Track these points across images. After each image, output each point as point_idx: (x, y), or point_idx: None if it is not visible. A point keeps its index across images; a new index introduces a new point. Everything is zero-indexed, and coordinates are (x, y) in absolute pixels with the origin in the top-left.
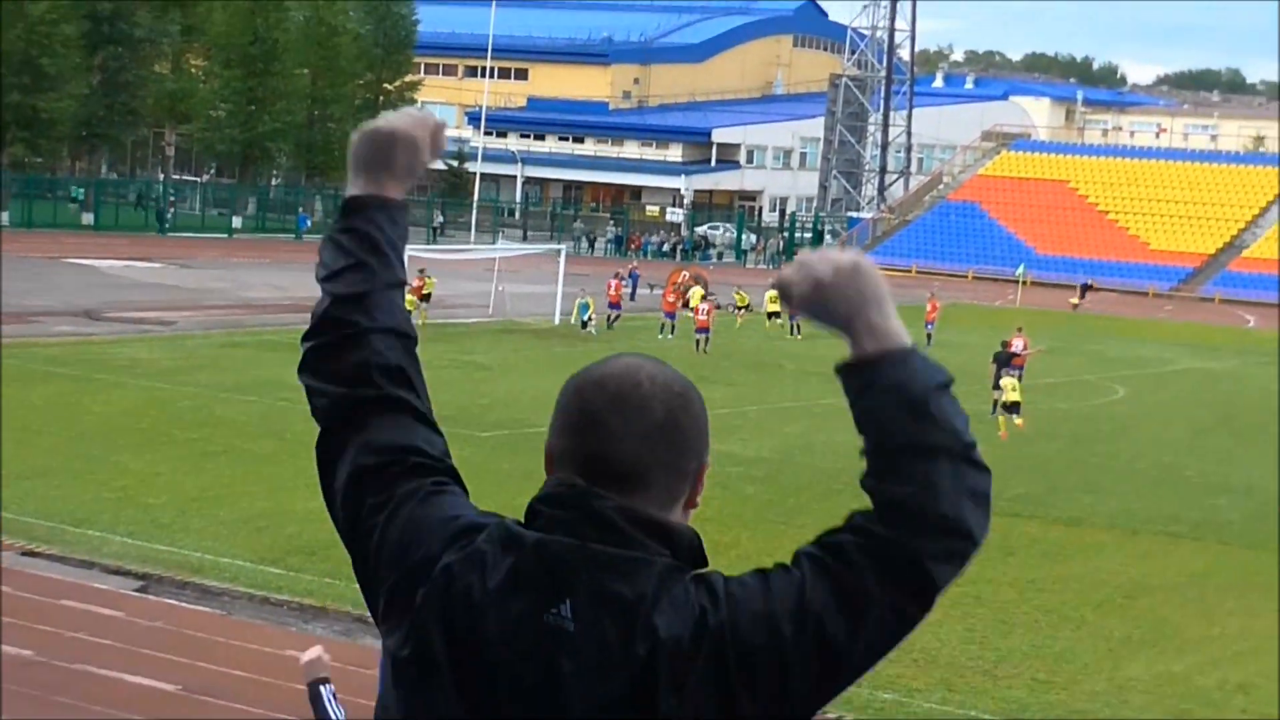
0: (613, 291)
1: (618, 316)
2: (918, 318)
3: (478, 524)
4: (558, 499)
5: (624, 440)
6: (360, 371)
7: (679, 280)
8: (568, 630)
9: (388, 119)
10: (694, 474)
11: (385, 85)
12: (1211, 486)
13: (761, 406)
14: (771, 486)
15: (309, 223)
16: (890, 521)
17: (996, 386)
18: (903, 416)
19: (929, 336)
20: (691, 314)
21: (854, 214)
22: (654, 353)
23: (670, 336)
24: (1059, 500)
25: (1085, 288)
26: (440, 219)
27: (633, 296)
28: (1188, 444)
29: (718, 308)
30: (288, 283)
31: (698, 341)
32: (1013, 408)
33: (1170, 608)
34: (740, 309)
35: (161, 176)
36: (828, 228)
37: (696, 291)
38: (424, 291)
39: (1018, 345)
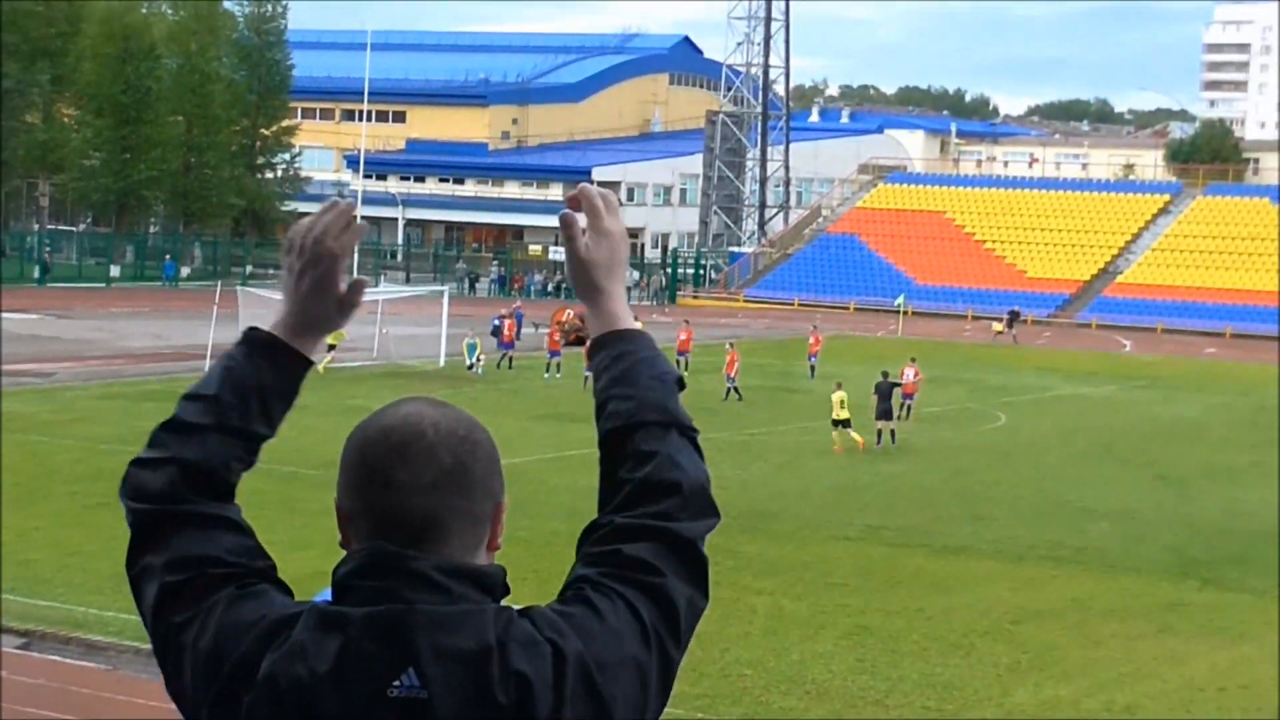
0: (507, 331)
1: (510, 357)
2: (800, 351)
3: (289, 616)
4: (369, 568)
5: (415, 494)
6: (171, 489)
7: (563, 319)
8: (421, 698)
9: (324, 226)
10: (491, 516)
11: (261, 130)
12: (1091, 512)
13: None
14: None
15: (178, 269)
16: (657, 507)
17: (882, 417)
18: (656, 386)
19: (812, 369)
20: (582, 351)
21: (735, 249)
22: (542, 393)
23: (558, 375)
24: (944, 530)
25: (1013, 316)
26: None
27: (518, 336)
28: (1068, 470)
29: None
30: (166, 331)
31: (585, 379)
32: (845, 424)
33: (1055, 633)
34: None
35: (36, 227)
36: (710, 263)
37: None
38: (329, 341)
39: (909, 375)
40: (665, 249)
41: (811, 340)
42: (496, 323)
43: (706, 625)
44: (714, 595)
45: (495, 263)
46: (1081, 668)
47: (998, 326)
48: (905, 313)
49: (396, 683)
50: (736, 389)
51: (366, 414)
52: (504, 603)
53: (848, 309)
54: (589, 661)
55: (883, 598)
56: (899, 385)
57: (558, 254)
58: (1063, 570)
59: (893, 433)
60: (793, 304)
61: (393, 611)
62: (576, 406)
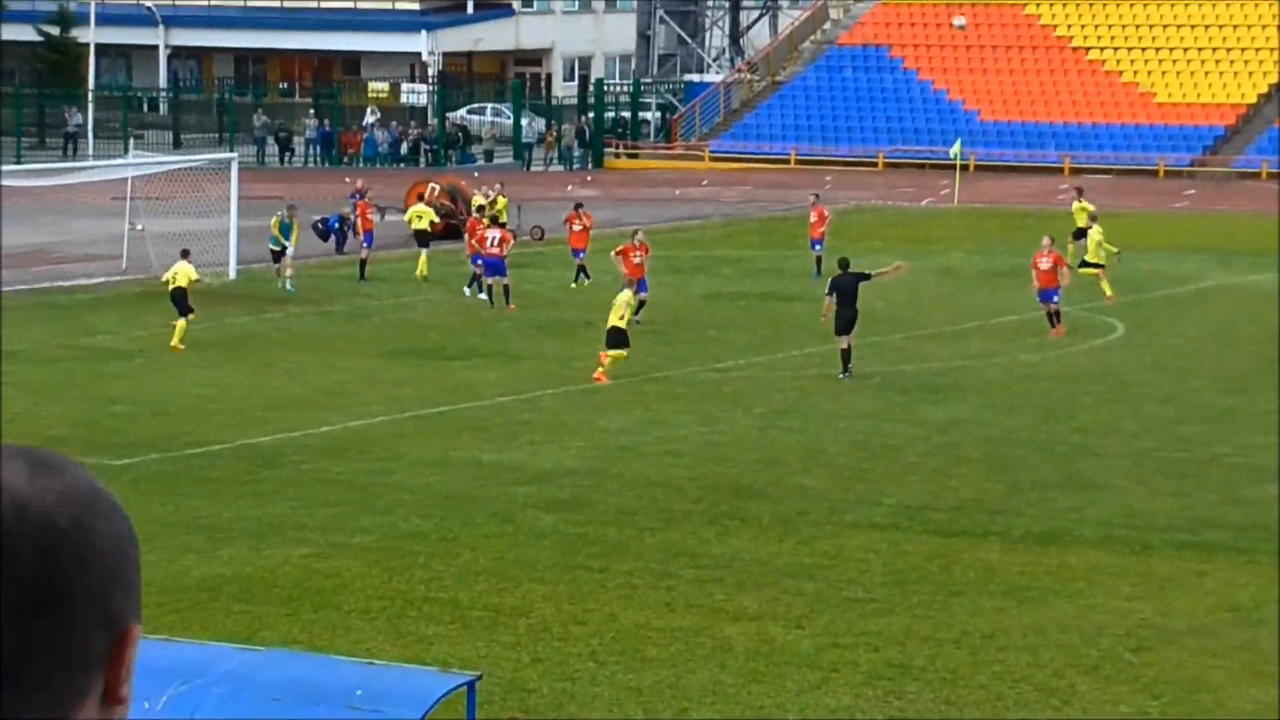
0: (361, 223)
1: (363, 261)
2: (798, 236)
3: None
4: None
5: None
6: None
7: (426, 195)
8: None
9: None
10: (108, 655)
11: None
12: (1257, 469)
13: (562, 389)
14: (580, 514)
15: None
16: None
17: (844, 330)
18: None
19: (818, 263)
20: (474, 244)
21: (695, 77)
22: (398, 315)
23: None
24: (1026, 507)
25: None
26: (37, 121)
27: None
28: (1218, 408)
29: (514, 236)
30: None
31: (489, 289)
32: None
33: (1205, 664)
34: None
35: None
36: (655, 101)
37: (501, 203)
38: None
39: (1044, 264)
40: (585, 82)
41: (813, 218)
42: (335, 218)
43: (653, 671)
44: (665, 621)
45: (314, 113)
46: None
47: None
48: (965, 167)
49: None
50: (584, 269)
51: (116, 359)
52: None
53: (874, 165)
54: None
55: (931, 619)
56: (867, 277)
57: (414, 95)
58: (1214, 564)
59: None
60: (788, 160)
61: None
62: (451, 335)
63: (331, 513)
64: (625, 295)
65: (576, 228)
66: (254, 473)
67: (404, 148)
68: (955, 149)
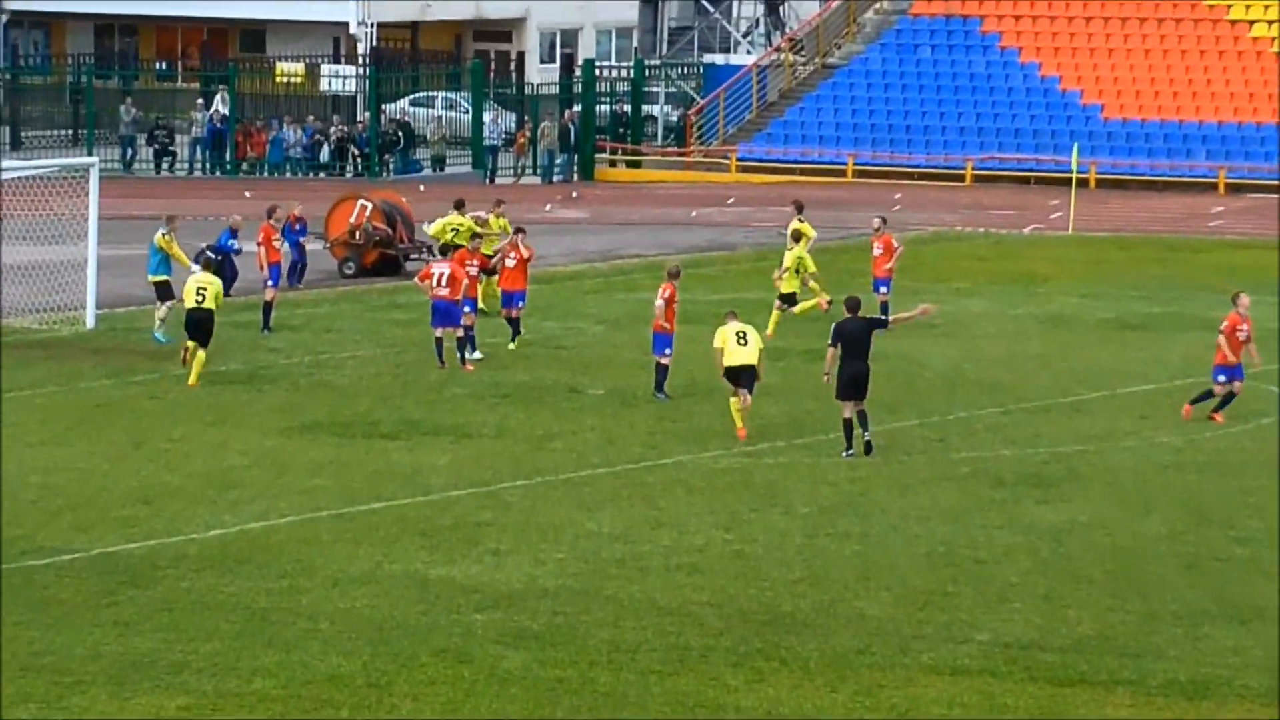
0: (266, 245)
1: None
2: (859, 269)
3: None
4: None
5: None
6: None
7: (355, 221)
8: None
9: None
10: None
11: None
12: None
13: (536, 480)
14: (560, 651)
15: None
16: None
17: (849, 392)
18: None
19: (883, 309)
20: (424, 283)
21: (718, 58)
22: (316, 377)
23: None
24: (1168, 645)
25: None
26: None
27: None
28: None
29: (488, 268)
30: None
31: (462, 347)
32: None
33: None
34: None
35: None
36: (665, 90)
37: (496, 224)
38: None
39: (1243, 332)
40: (569, 63)
41: (878, 249)
42: (227, 239)
43: None
44: None
45: (202, 101)
46: None
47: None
48: (1084, 181)
49: None
50: (517, 323)
51: None
52: None
53: (959, 178)
54: None
55: None
56: (883, 323)
57: (340, 80)
58: None
59: (867, 442)
60: (841, 171)
61: None
62: (386, 404)
63: (220, 648)
64: (732, 326)
65: (510, 263)
66: (115, 592)
67: (324, 152)
68: (1072, 157)
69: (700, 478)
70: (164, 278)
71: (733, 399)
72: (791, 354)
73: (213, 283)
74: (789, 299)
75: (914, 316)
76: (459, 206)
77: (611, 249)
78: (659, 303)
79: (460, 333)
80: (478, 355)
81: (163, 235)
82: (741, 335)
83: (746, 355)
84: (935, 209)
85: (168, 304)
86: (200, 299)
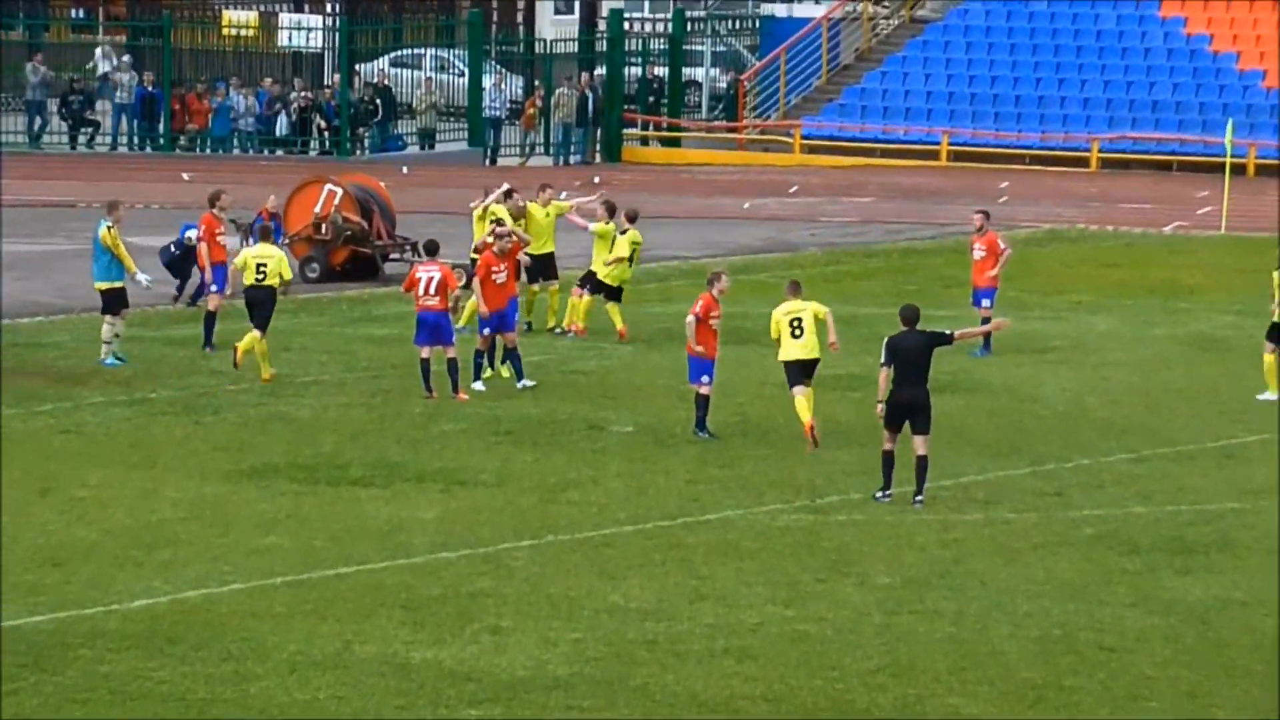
0: (209, 240)
1: (211, 313)
2: (955, 275)
3: None
4: None
5: None
6: None
7: (321, 211)
8: None
9: None
10: None
11: None
12: None
13: (546, 539)
14: None
15: None
16: None
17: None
18: None
19: (986, 341)
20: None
21: (779, 8)
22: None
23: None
24: None
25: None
26: None
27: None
28: None
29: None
30: None
31: (455, 371)
32: None
33: None
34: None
35: None
36: (710, 49)
37: (499, 211)
38: None
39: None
40: (591, 13)
41: (979, 251)
42: (177, 244)
43: None
44: None
45: (130, 62)
46: None
47: None
48: (1240, 168)
49: None
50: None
51: None
52: None
53: (1083, 161)
54: None
55: None
56: (947, 338)
57: (304, 34)
58: None
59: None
60: (935, 151)
61: None
62: (358, 443)
63: None
64: (787, 307)
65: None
66: (15, 678)
67: (282, 123)
68: (1226, 136)
69: (753, 538)
70: (116, 284)
71: (794, 392)
72: (869, 382)
73: (273, 255)
74: None
75: (985, 332)
76: (508, 195)
77: (642, 249)
78: (690, 319)
79: (453, 352)
80: (479, 385)
81: (107, 229)
82: (797, 323)
83: (803, 349)
84: (1052, 201)
85: (119, 318)
86: (261, 276)
